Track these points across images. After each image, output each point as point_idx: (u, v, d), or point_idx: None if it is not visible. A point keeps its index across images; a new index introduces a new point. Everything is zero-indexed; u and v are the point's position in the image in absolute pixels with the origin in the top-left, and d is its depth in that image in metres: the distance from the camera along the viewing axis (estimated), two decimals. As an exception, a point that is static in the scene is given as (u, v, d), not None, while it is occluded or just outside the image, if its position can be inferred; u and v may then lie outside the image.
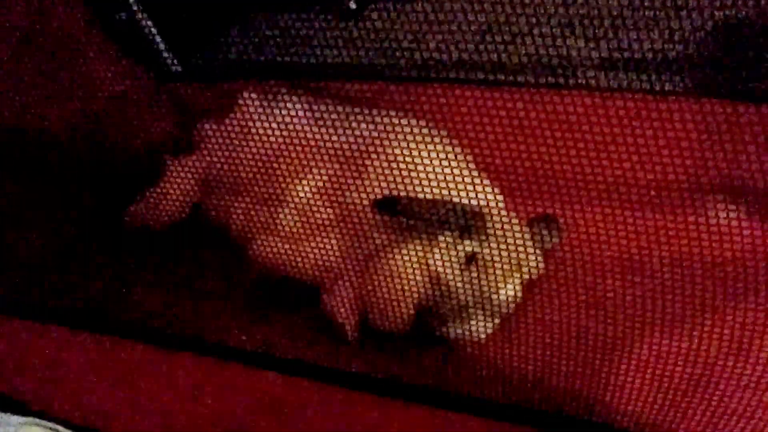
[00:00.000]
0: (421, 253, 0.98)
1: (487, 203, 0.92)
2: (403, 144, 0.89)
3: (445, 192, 0.89)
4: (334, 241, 1.04)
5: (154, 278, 1.23)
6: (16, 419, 1.01)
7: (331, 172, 1.08)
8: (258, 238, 1.12)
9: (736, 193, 0.91)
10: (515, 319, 1.00)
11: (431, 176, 0.88)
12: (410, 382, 1.02)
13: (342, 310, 1.06)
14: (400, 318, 1.01)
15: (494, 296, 0.97)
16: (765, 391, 0.83)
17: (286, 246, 1.07)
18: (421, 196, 0.95)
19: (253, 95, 1.08)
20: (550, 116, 0.83)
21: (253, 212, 1.09)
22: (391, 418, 1.00)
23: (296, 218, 1.06)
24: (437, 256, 0.98)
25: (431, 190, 0.90)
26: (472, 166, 1.01)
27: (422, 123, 1.02)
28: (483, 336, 1.00)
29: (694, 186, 0.85)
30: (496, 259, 0.92)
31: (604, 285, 0.88)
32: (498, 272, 0.94)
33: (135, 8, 1.41)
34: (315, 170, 1.08)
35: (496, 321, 1.01)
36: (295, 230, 1.07)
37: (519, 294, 1.00)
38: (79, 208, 1.31)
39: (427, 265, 0.98)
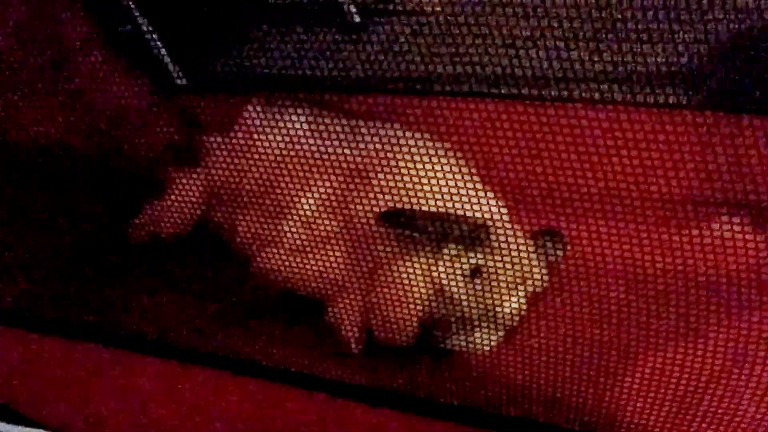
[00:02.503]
0: (425, 266, 0.98)
1: (492, 216, 0.92)
2: (408, 157, 0.89)
3: (449, 205, 0.89)
4: (338, 254, 1.04)
5: (158, 290, 1.23)
6: (20, 430, 1.01)
7: (335, 185, 1.08)
8: (262, 250, 1.12)
9: (740, 206, 0.91)
10: (519, 332, 1.00)
11: (436, 189, 0.88)
12: (414, 395, 1.02)
13: (346, 322, 1.07)
14: (405, 331, 1.01)
15: (498, 309, 0.97)
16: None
17: (291, 259, 1.07)
18: (425, 209, 0.95)
19: (258, 108, 1.09)
20: (554, 129, 0.83)
21: (257, 225, 1.09)
22: (394, 430, 1.00)
23: (300, 231, 1.07)
24: (441, 269, 0.98)
25: (436, 203, 0.90)
26: (476, 179, 1.02)
27: (426, 136, 1.02)
28: (487, 348, 1.00)
29: (698, 198, 0.85)
30: (501, 272, 0.92)
31: (608, 298, 0.88)
32: (502, 285, 0.94)
33: (139, 20, 1.41)
34: (319, 183, 1.08)
35: (500, 333, 1.01)
36: (299, 243, 1.07)
37: (523, 307, 1.00)
38: (84, 219, 1.31)
39: (432, 277, 0.98)
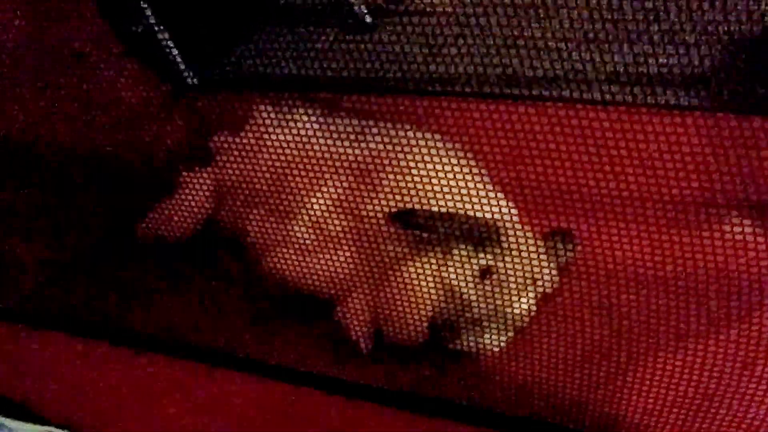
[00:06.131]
0: (435, 267, 0.98)
1: (502, 217, 0.92)
2: (418, 157, 0.89)
3: (459, 205, 0.89)
4: (348, 254, 1.04)
5: (168, 290, 1.24)
6: (29, 427, 1.01)
7: (345, 185, 1.08)
8: (272, 250, 1.12)
9: (751, 207, 0.91)
10: (529, 333, 1.00)
11: (446, 190, 0.88)
12: (423, 395, 1.02)
13: (356, 322, 1.07)
14: (414, 331, 1.01)
15: (508, 310, 0.97)
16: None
17: (300, 259, 1.07)
18: (436, 209, 0.95)
19: (268, 108, 1.09)
20: (564, 130, 0.83)
21: (267, 225, 1.10)
22: (404, 429, 1.00)
23: (310, 231, 1.07)
24: (452, 270, 0.98)
25: (446, 204, 0.90)
26: (486, 179, 1.02)
27: (437, 136, 1.02)
28: (497, 349, 1.00)
29: (709, 200, 0.85)
30: (511, 272, 0.92)
31: (618, 299, 0.88)
32: (512, 286, 0.93)
33: (151, 21, 1.42)
34: (329, 183, 1.08)
35: (510, 334, 1.01)
36: (309, 243, 1.08)
37: (533, 308, 1.00)
38: (94, 219, 1.32)
39: (442, 278, 0.98)
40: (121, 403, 1.10)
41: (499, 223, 0.95)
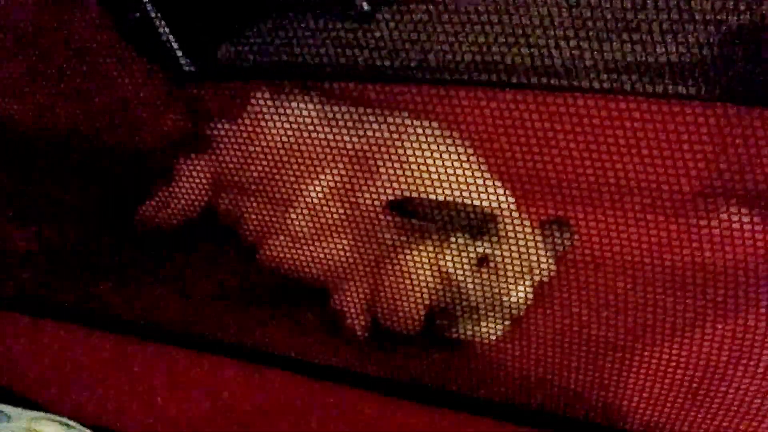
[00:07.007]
0: (432, 255, 0.99)
1: (499, 205, 0.92)
2: (415, 145, 0.89)
3: (457, 194, 0.89)
4: (345, 242, 1.04)
5: (165, 278, 1.24)
6: (28, 414, 1.01)
7: (342, 173, 1.08)
8: (269, 238, 1.12)
9: (748, 198, 0.91)
10: (525, 321, 1.00)
11: (443, 178, 0.88)
12: (420, 383, 1.02)
13: (352, 310, 1.07)
14: (411, 319, 1.01)
15: (505, 298, 0.97)
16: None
17: (297, 246, 1.07)
18: (433, 197, 0.95)
19: (266, 96, 1.09)
20: (563, 119, 0.83)
21: (263, 213, 1.09)
22: (400, 418, 1.00)
23: (307, 219, 1.07)
24: (449, 258, 0.98)
25: (443, 192, 0.90)
26: (484, 168, 1.01)
27: (434, 125, 1.02)
28: (493, 338, 1.00)
29: (706, 190, 0.85)
30: (508, 261, 0.92)
31: (615, 288, 0.88)
32: (509, 274, 0.94)
33: (148, 8, 1.41)
34: (327, 171, 1.08)
35: (507, 323, 1.01)
36: (306, 231, 1.08)
37: (530, 296, 1.00)
38: (91, 207, 1.31)
39: (439, 266, 0.98)
40: (116, 390, 1.10)
41: (497, 212, 0.95)
